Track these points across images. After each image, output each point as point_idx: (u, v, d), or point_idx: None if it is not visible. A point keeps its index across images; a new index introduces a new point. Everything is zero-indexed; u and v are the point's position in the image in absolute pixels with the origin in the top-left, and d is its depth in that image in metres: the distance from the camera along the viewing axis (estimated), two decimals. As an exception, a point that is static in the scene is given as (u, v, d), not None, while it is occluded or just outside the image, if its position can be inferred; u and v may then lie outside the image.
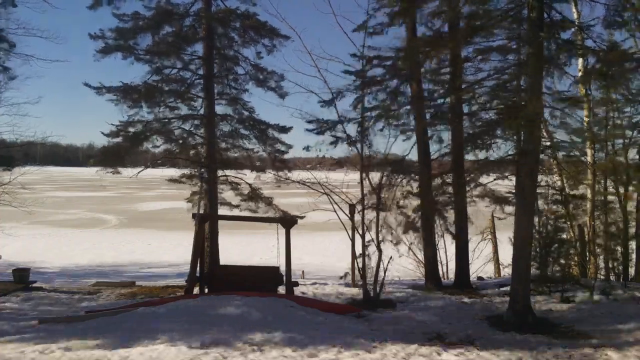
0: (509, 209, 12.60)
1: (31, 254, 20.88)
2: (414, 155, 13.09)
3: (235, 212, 14.12)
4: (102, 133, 13.41)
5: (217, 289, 10.32)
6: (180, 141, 14.02)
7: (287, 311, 8.87)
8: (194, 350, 6.54)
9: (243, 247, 23.83)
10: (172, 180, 14.62)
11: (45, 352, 6.41)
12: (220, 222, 13.81)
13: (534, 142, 8.94)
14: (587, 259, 13.72)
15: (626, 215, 13.53)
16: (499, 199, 12.87)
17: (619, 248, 13.20)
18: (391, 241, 12.16)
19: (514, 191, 10.98)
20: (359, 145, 11.95)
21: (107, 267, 18.98)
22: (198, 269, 11.13)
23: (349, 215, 12.02)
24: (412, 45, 11.93)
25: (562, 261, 11.74)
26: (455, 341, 7.73)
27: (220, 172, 14.10)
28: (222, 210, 14.42)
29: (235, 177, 14.45)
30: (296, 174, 13.62)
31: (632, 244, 13.80)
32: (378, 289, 10.81)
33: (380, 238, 11.32)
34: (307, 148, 12.29)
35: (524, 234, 8.94)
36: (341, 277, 14.01)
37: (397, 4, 11.70)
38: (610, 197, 14.11)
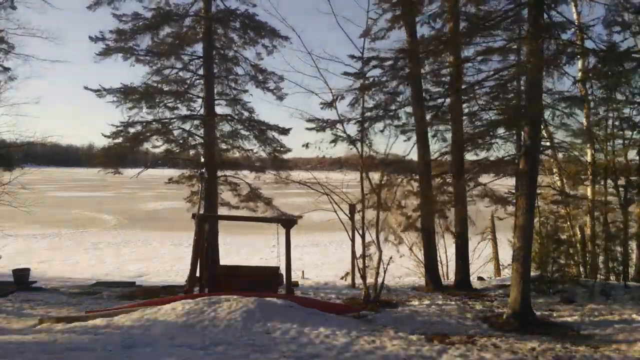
0: (509, 209, 12.58)
1: (31, 254, 20.88)
2: (414, 155, 13.12)
3: (235, 212, 14.11)
4: (103, 134, 13.45)
5: (217, 289, 10.31)
6: (180, 141, 14.03)
7: (288, 311, 8.86)
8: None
9: (243, 247, 23.83)
10: (172, 181, 14.62)
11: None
12: (220, 222, 13.80)
13: (534, 142, 8.94)
14: (587, 259, 13.72)
15: (626, 215, 13.52)
16: (499, 199, 12.85)
17: (619, 248, 13.18)
18: (391, 241, 12.15)
19: (514, 191, 10.98)
20: (358, 145, 11.95)
21: (107, 267, 18.97)
22: (198, 269, 11.12)
23: (349, 215, 12.01)
24: (412, 47, 11.93)
25: (562, 261, 11.75)
26: (456, 341, 7.74)
27: (219, 173, 14.10)
28: (222, 211, 14.41)
29: (235, 178, 14.45)
30: (296, 174, 13.61)
31: (632, 244, 13.80)
32: (378, 289, 10.81)
33: (380, 238, 11.32)
34: (306, 145, 12.29)
35: (524, 234, 8.94)
36: (341, 278, 14.02)
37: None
38: (610, 197, 14.09)
